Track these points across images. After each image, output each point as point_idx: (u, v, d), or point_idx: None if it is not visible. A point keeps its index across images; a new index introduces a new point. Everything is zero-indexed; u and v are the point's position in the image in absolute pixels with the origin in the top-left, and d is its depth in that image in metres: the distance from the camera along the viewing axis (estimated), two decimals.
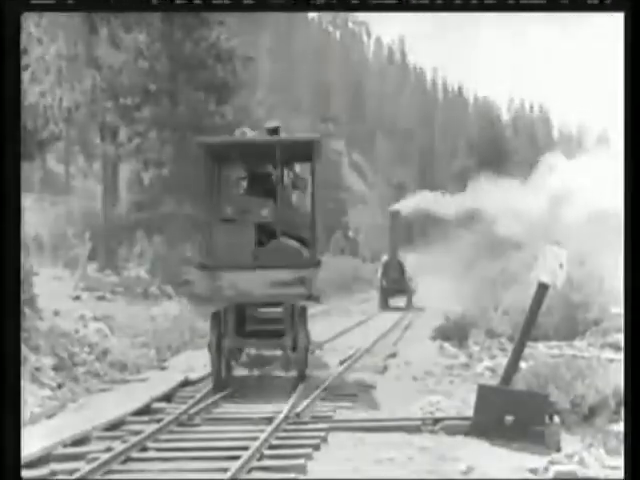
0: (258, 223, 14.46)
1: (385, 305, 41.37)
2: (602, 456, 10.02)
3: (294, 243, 14.61)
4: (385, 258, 43.64)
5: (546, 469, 9.16)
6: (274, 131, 15.54)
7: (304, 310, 14.98)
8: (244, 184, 15.57)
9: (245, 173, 15.63)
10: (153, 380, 15.54)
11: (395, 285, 41.89)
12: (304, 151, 14.88)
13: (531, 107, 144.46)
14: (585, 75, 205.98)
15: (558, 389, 12.25)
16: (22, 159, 8.33)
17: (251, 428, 10.80)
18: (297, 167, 16.10)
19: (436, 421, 11.19)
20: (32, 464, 9.08)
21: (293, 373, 14.65)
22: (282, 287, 14.03)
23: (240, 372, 15.70)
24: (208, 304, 14.75)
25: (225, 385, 14.07)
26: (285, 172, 15.59)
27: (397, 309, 39.67)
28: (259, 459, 9.32)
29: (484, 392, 11.00)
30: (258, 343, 14.99)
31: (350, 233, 76.69)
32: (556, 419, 10.90)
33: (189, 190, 29.40)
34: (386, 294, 42.12)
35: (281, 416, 11.18)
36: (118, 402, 12.95)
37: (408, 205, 44.06)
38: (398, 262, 42.29)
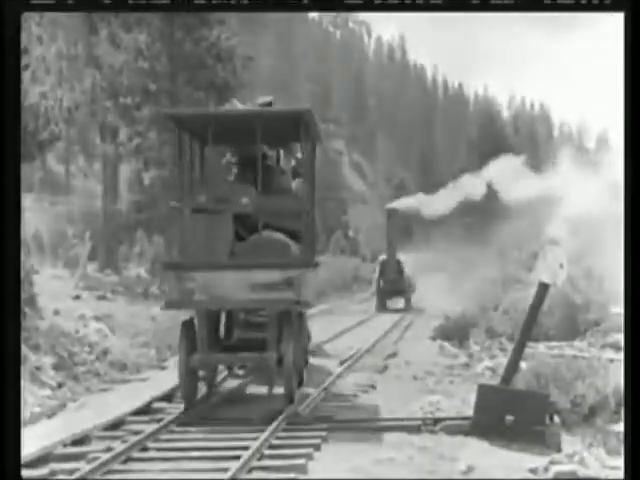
0: (238, 214, 12.26)
1: (383, 307, 39.58)
2: (602, 456, 10.02)
3: (281, 237, 12.39)
4: (382, 257, 41.80)
5: (546, 469, 9.16)
6: (267, 106, 13.84)
7: (300, 315, 13.29)
8: (235, 170, 13.57)
9: (235, 156, 13.54)
10: (153, 380, 15.54)
11: (393, 286, 39.99)
12: (294, 127, 12.41)
13: (532, 105, 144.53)
14: (586, 74, 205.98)
15: (558, 389, 12.25)
16: (22, 159, 8.34)
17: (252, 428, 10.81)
18: (300, 153, 14.36)
19: (436, 421, 11.19)
20: (32, 464, 9.08)
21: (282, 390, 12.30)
22: (264, 291, 11.74)
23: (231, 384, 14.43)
24: (176, 310, 12.66)
25: (201, 406, 12.37)
26: (282, 155, 13.75)
27: (395, 311, 38.13)
28: (259, 459, 9.31)
29: (484, 392, 11.00)
30: (234, 359, 12.72)
31: (350, 233, 76.75)
32: (556, 419, 10.90)
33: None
34: (384, 295, 40.20)
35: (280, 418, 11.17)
36: (118, 402, 12.95)
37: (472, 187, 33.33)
38: (396, 261, 40.35)
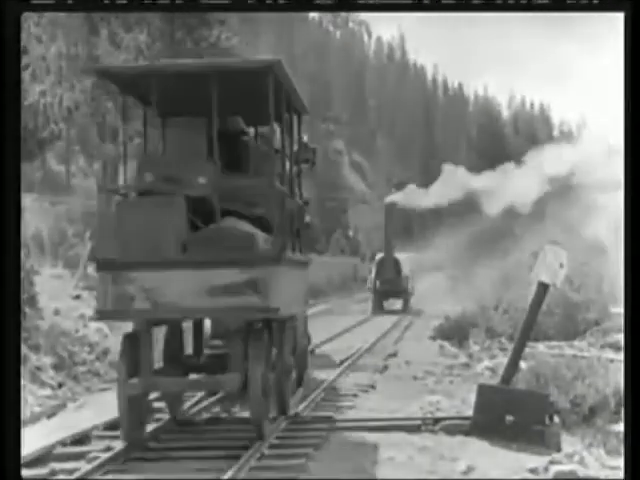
0: (194, 197, 9.70)
1: (379, 309, 37.29)
2: (602, 456, 10.03)
3: (245, 227, 9.88)
4: (379, 256, 39.51)
5: (546, 469, 9.15)
6: None
7: (284, 324, 10.94)
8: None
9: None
10: None
11: (390, 286, 37.60)
12: (263, 86, 9.64)
13: (531, 104, 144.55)
14: (586, 74, 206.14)
15: (558, 389, 12.26)
16: (22, 158, 8.33)
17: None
18: (305, 136, 13.16)
19: (436, 421, 11.19)
20: (32, 463, 9.09)
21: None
22: (223, 295, 9.28)
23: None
24: (111, 321, 10.51)
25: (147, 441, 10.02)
26: (277, 132, 11.24)
27: (392, 312, 36.33)
28: (259, 459, 9.30)
29: (484, 392, 11.00)
30: (183, 384, 10.47)
31: (350, 232, 76.74)
32: (556, 419, 10.90)
33: None
34: (380, 297, 37.84)
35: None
36: None
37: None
38: (394, 260, 38.09)
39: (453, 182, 30.11)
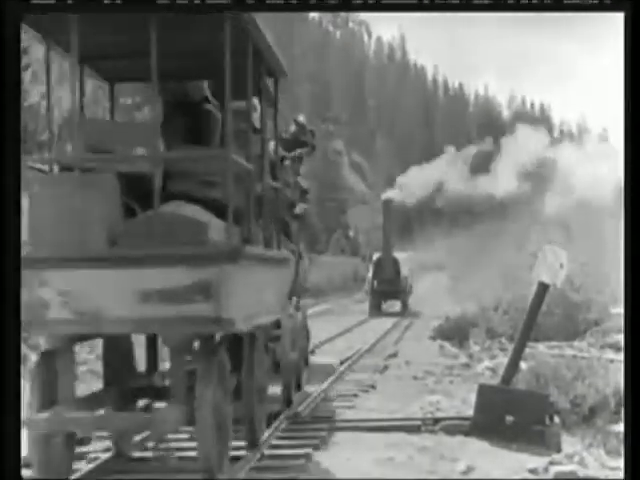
0: (129, 174, 7.39)
1: (377, 310, 36.06)
2: (602, 456, 10.03)
3: (193, 212, 7.41)
4: (377, 255, 37.84)
5: (546, 469, 9.16)
6: None
7: (255, 339, 8.86)
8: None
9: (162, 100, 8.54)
10: None
11: (389, 286, 36.29)
12: (216, 34, 7.07)
13: (532, 104, 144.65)
14: (586, 74, 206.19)
15: (558, 389, 12.27)
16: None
17: None
18: (301, 117, 12.11)
19: (436, 421, 11.19)
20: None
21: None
22: (163, 302, 6.89)
23: None
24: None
25: None
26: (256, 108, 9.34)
27: (390, 315, 35.36)
28: (259, 459, 9.30)
29: (484, 392, 11.01)
30: (101, 421, 7.62)
31: (350, 232, 76.76)
32: (556, 419, 10.91)
33: None
34: (378, 298, 36.54)
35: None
36: None
37: None
38: (393, 259, 36.81)
39: (528, 143, 27.42)
